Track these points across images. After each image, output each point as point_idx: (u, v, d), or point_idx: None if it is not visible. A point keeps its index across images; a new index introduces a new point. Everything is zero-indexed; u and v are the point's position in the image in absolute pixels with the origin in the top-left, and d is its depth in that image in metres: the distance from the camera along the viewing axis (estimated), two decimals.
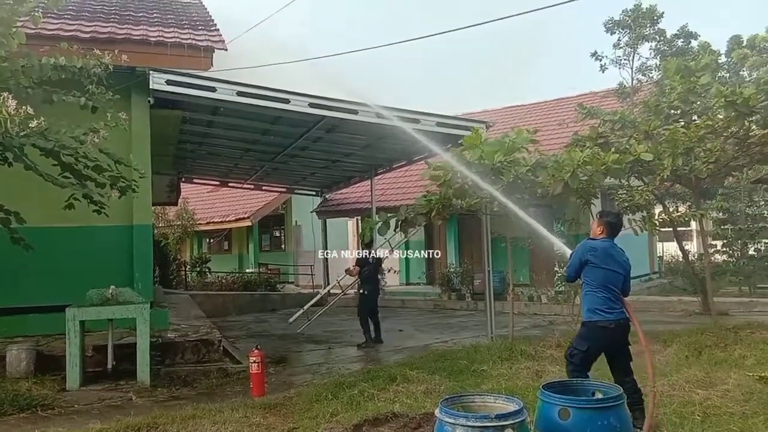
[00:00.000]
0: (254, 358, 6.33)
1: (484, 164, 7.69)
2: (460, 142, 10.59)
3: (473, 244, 15.25)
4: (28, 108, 4.93)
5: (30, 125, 5.05)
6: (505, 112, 21.61)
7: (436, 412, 3.29)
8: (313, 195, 20.02)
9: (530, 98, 27.43)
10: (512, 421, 3.10)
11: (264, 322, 13.96)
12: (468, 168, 7.73)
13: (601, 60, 20.18)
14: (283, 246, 23.73)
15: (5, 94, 5.09)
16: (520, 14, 9.16)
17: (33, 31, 6.61)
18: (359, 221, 20.47)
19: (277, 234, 24.47)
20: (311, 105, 9.32)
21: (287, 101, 9.04)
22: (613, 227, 4.93)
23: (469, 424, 3.09)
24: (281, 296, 17.69)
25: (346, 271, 11.45)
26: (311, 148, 12.91)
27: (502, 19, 9.62)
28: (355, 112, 9.58)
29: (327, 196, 19.66)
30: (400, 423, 4.83)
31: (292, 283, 21.65)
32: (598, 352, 4.81)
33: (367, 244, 10.63)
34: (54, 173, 6.19)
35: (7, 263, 7.18)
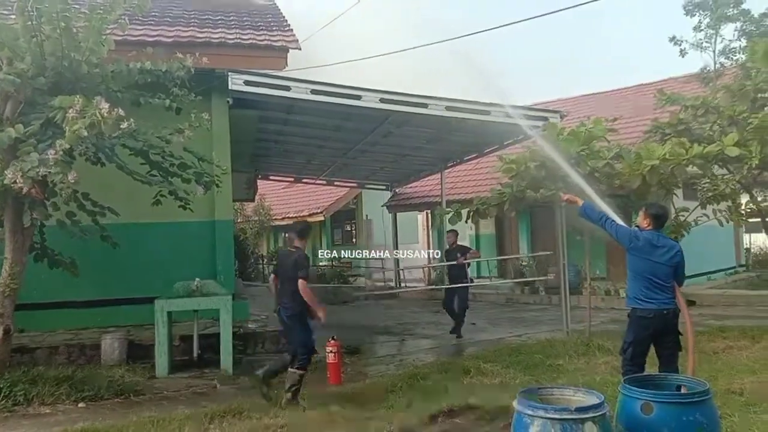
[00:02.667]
0: (331, 348, 6.50)
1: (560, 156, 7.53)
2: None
3: (546, 237, 14.93)
4: (119, 110, 5.22)
5: (121, 126, 5.33)
6: (578, 100, 20.96)
7: (514, 403, 3.26)
8: (384, 189, 20.17)
9: (605, 86, 26.47)
10: (593, 414, 3.04)
11: (337, 314, 14.20)
12: (543, 159, 7.60)
13: (680, 44, 19.18)
14: (354, 240, 24.06)
15: (98, 97, 5.41)
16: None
17: (120, 38, 6.94)
18: (429, 214, 20.49)
19: (349, 228, 24.81)
20: (382, 100, 9.40)
21: (359, 97, 9.17)
22: (658, 219, 4.98)
23: (549, 416, 3.05)
24: (353, 289, 17.96)
25: (463, 258, 10.42)
26: (381, 143, 13.02)
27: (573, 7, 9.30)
28: (425, 106, 9.59)
29: (397, 190, 19.77)
30: (476, 415, 4.85)
31: (363, 276, 21.93)
32: (645, 344, 4.82)
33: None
34: (142, 172, 6.59)
35: (101, 258, 7.66)
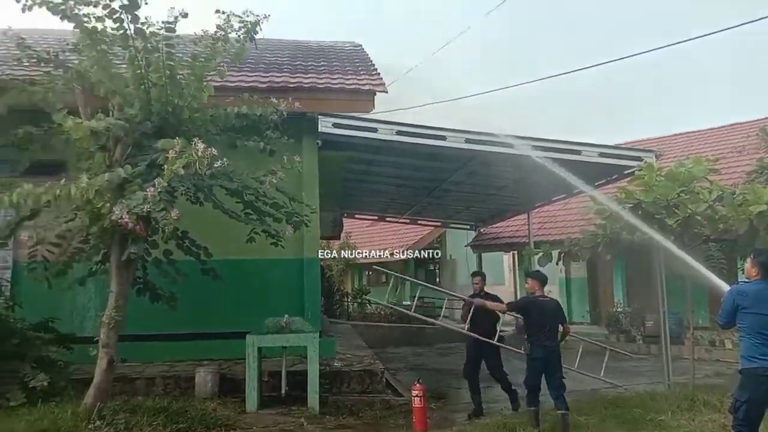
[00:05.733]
0: (416, 392, 6.37)
1: (657, 200, 7.18)
2: (626, 173, 10.07)
3: (643, 281, 14.16)
4: (213, 150, 5.45)
5: (214, 165, 5.57)
6: (671, 140, 20.03)
7: None
8: (468, 229, 19.96)
9: (696, 125, 25.15)
10: None
11: (421, 356, 14.04)
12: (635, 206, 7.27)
13: None
14: (437, 279, 23.84)
15: (195, 139, 5.69)
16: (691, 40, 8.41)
17: (219, 84, 7.36)
18: (516, 255, 20.00)
19: (432, 267, 24.65)
20: (467, 141, 9.39)
21: (444, 138, 9.21)
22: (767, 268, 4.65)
23: None
24: (436, 330, 17.68)
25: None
26: (466, 182, 12.94)
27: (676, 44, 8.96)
28: (511, 146, 9.46)
29: (482, 230, 19.49)
30: None
31: (447, 317, 21.59)
32: (762, 404, 4.46)
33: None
34: (236, 210, 6.85)
35: (195, 292, 7.96)
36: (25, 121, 6.72)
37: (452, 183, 12.89)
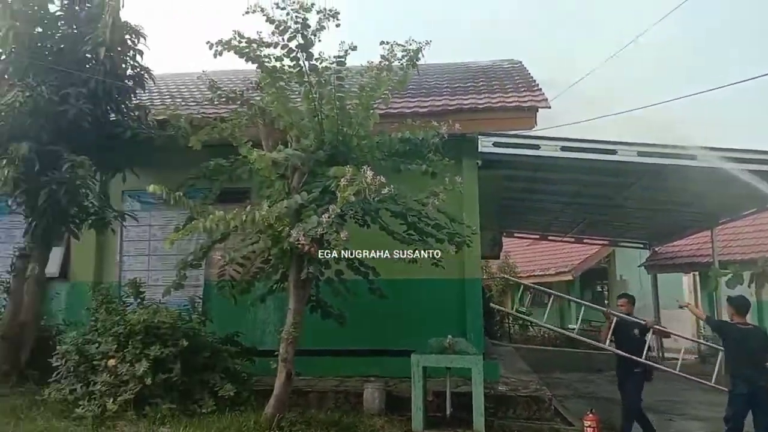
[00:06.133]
0: (589, 422, 6.05)
1: None
2: None
3: None
4: (381, 177, 5.68)
5: (382, 192, 5.79)
6: None
7: None
8: (640, 248, 18.60)
9: None
10: None
11: (591, 383, 13.24)
12: None
13: None
14: (606, 301, 22.46)
15: (365, 166, 5.98)
16: None
17: (383, 111, 7.65)
18: (698, 276, 18.25)
19: (600, 289, 23.34)
20: (640, 153, 8.81)
21: (614, 152, 8.74)
22: None
23: None
24: (608, 356, 16.60)
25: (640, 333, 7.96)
26: (639, 198, 12.08)
27: None
28: (693, 158, 8.70)
29: (657, 249, 18.04)
30: None
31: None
32: None
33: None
34: (399, 231, 7.05)
35: (362, 310, 8.28)
36: (215, 155, 7.55)
37: (623, 199, 12.11)
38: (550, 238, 18.87)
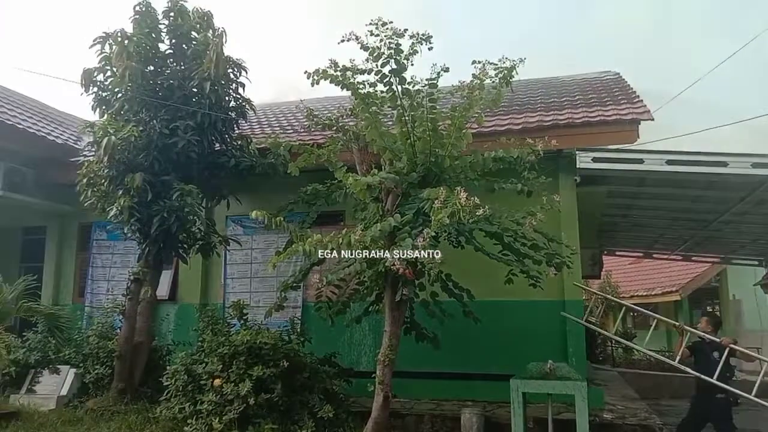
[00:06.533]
0: None
1: None
2: None
3: None
4: (475, 199, 5.59)
5: (476, 213, 5.68)
6: None
7: None
8: (756, 265, 17.17)
9: None
10: None
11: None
12: None
13: None
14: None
15: (458, 188, 5.90)
16: None
17: (475, 130, 7.56)
18: None
19: (710, 309, 21.75)
20: (755, 165, 8.19)
21: (725, 164, 8.19)
22: None
23: None
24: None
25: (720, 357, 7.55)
26: (753, 212, 11.18)
27: None
28: None
29: None
30: None
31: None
32: None
33: None
34: (494, 252, 6.90)
35: (458, 333, 8.17)
36: (312, 180, 7.77)
37: (735, 214, 11.27)
38: (654, 255, 17.84)
